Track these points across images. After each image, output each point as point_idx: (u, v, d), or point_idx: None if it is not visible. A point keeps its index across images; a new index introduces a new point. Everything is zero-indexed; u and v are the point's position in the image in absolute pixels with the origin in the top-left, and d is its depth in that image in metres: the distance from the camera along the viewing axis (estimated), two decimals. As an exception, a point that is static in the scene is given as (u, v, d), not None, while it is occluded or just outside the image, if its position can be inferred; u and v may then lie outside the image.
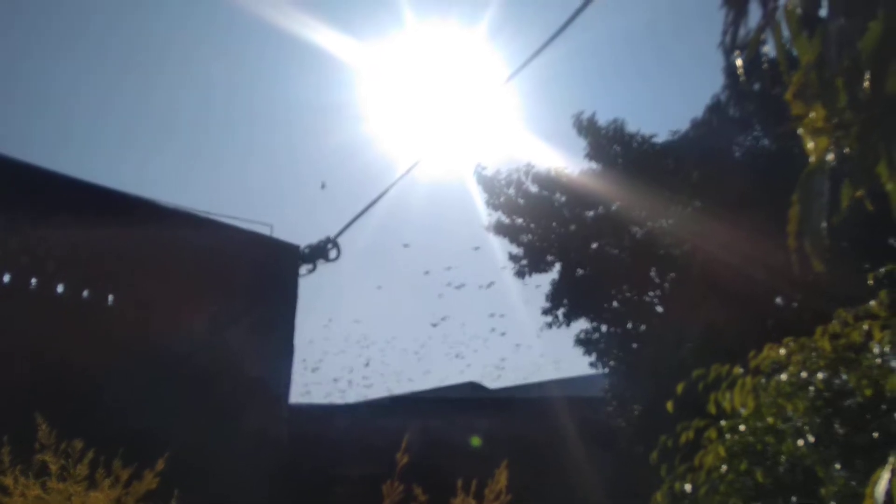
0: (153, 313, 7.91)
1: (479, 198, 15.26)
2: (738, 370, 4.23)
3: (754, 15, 1.88)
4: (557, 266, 14.83)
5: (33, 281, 7.26)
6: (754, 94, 12.57)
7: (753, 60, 1.83)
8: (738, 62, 1.78)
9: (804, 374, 4.08)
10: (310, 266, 3.61)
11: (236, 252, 10.22)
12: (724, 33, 1.72)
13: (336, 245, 3.54)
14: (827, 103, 1.40)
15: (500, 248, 15.58)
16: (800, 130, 1.53)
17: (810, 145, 1.52)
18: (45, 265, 7.34)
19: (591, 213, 14.51)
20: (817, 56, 1.42)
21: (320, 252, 3.50)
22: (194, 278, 9.06)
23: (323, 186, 13.00)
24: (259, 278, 10.43)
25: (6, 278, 7.04)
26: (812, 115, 1.45)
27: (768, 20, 1.76)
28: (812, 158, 1.51)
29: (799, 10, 1.73)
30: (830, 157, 1.49)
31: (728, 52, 1.78)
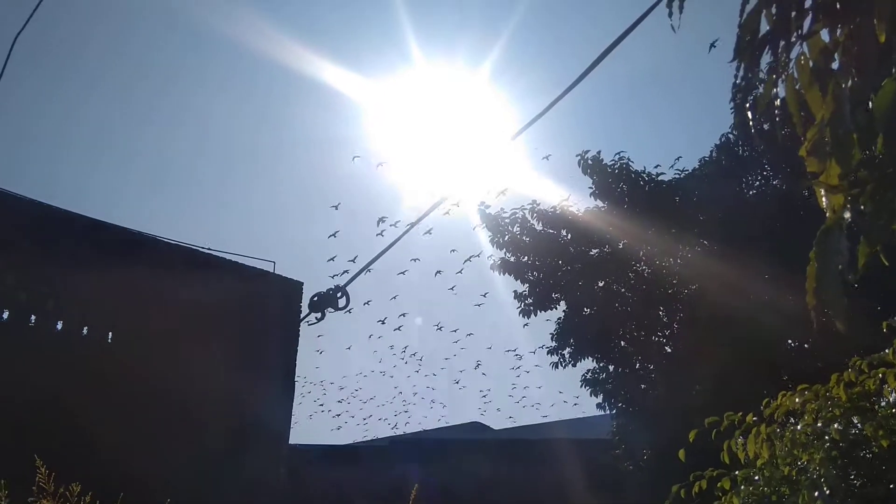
0: (153, 351, 7.84)
1: (482, 235, 15.26)
2: (752, 418, 4.16)
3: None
4: (563, 304, 14.72)
5: (32, 318, 7.22)
6: (764, 134, 12.58)
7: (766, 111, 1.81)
8: (749, 114, 1.76)
9: (819, 424, 4.01)
10: (318, 314, 3.57)
11: (238, 289, 10.19)
12: (736, 86, 1.70)
13: (345, 293, 3.52)
14: (841, 161, 1.36)
15: (505, 286, 15.52)
16: (815, 187, 1.49)
17: (825, 202, 1.49)
18: (44, 302, 7.31)
19: (596, 252, 14.46)
20: (831, 113, 1.39)
21: (329, 301, 3.47)
22: (195, 315, 9.02)
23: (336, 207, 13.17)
24: (260, 315, 10.38)
25: (5, 315, 7.00)
26: (827, 172, 1.41)
27: (780, 72, 1.73)
28: (828, 215, 1.47)
29: (811, 63, 1.71)
30: (846, 214, 1.45)
31: (740, 104, 1.76)
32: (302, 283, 12.38)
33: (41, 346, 7.06)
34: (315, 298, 3.64)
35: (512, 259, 14.63)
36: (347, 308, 3.64)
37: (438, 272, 18.95)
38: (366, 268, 3.74)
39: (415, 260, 17.50)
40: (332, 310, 3.61)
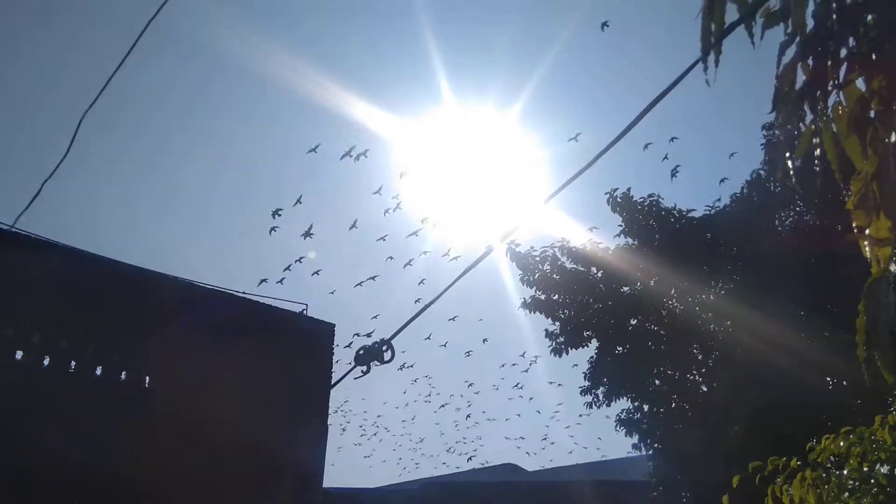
0: (185, 394, 7.91)
1: (508, 274, 15.25)
2: (796, 462, 4.08)
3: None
4: (595, 343, 14.59)
5: (72, 364, 7.33)
6: (805, 184, 12.48)
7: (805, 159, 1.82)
8: (789, 164, 1.76)
9: (865, 468, 3.93)
10: (364, 368, 3.58)
11: (270, 330, 10.26)
12: (771, 137, 1.71)
13: (391, 347, 3.54)
14: (891, 214, 1.36)
15: (534, 325, 15.45)
16: (860, 240, 1.49)
17: (871, 254, 1.48)
18: (84, 347, 7.43)
19: (627, 289, 14.35)
20: (876, 168, 1.39)
21: (374, 354, 3.48)
22: (227, 358, 9.11)
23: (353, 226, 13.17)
24: (292, 357, 10.42)
25: (45, 361, 7.10)
26: (875, 225, 1.41)
27: (818, 122, 1.74)
28: (874, 268, 1.47)
29: (848, 112, 1.72)
30: (894, 267, 1.44)
31: (779, 154, 1.77)
32: (334, 325, 12.44)
33: (80, 392, 7.16)
34: (361, 352, 3.66)
35: (542, 297, 14.57)
36: (392, 360, 3.65)
37: (468, 353, 18.97)
38: (411, 321, 3.75)
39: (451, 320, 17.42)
40: (378, 363, 3.63)
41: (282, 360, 10.53)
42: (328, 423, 11.97)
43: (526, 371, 19.56)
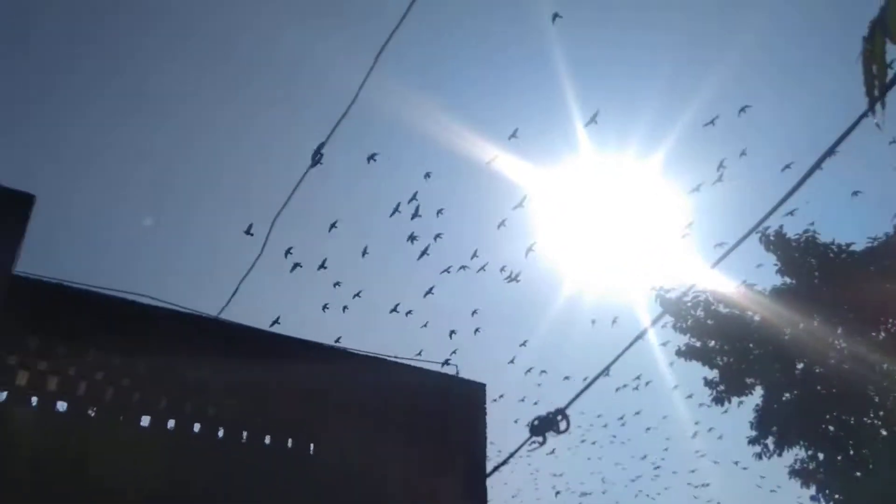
0: (338, 460, 8.30)
1: (648, 320, 15.02)
2: None
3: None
4: (759, 390, 14.00)
5: (244, 434, 7.86)
6: None
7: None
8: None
9: None
10: (539, 439, 3.70)
11: (423, 394, 10.66)
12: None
13: (566, 417, 3.64)
14: None
15: (689, 373, 15.07)
16: None
17: None
18: (254, 417, 7.99)
19: (790, 331, 13.73)
20: None
21: (549, 424, 3.61)
22: (379, 422, 9.55)
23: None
24: (446, 421, 10.73)
25: (196, 427, 7.50)
26: None
27: None
28: None
29: None
30: None
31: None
32: (484, 385, 12.73)
33: (227, 458, 7.64)
34: (535, 422, 3.78)
35: (698, 344, 14.23)
36: (568, 430, 3.72)
37: (622, 419, 18.72)
38: (585, 388, 3.90)
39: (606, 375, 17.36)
40: (555, 433, 3.74)
41: (434, 423, 10.89)
42: (486, 484, 12.14)
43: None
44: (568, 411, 3.89)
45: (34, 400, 6.16)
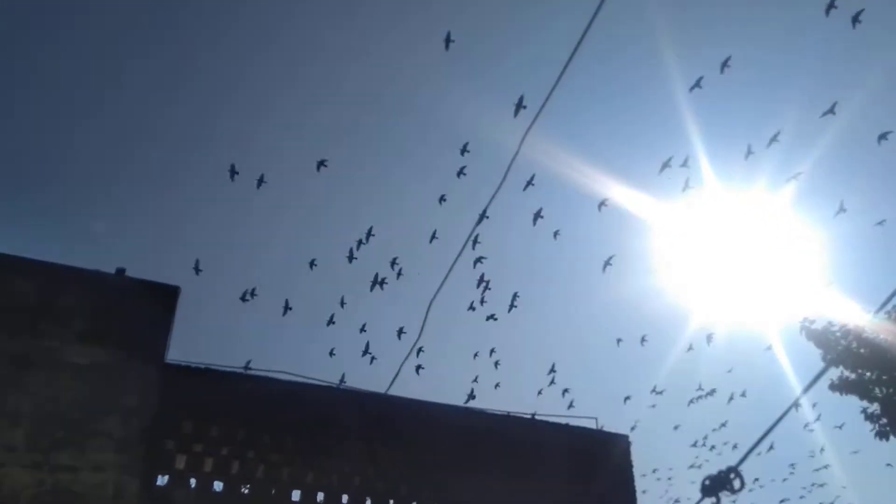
0: None
1: (783, 356, 14.12)
2: None
3: None
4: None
5: (368, 500, 7.85)
6: None
7: None
8: None
9: None
10: (713, 499, 3.47)
11: (567, 449, 10.30)
12: None
13: (739, 475, 3.38)
14: None
15: (841, 407, 13.97)
16: None
17: None
18: (398, 489, 7.99)
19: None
20: None
21: (722, 483, 3.38)
22: (526, 480, 9.31)
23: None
24: (591, 474, 10.29)
25: (344, 499, 7.55)
26: None
27: None
28: None
29: None
30: None
31: None
32: (628, 436, 12.18)
33: None
34: (707, 482, 3.55)
35: (853, 377, 13.15)
36: (742, 489, 3.49)
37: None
38: (758, 443, 3.63)
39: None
40: (729, 493, 3.49)
41: (579, 477, 10.46)
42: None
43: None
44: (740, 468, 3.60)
45: (192, 481, 6.42)
